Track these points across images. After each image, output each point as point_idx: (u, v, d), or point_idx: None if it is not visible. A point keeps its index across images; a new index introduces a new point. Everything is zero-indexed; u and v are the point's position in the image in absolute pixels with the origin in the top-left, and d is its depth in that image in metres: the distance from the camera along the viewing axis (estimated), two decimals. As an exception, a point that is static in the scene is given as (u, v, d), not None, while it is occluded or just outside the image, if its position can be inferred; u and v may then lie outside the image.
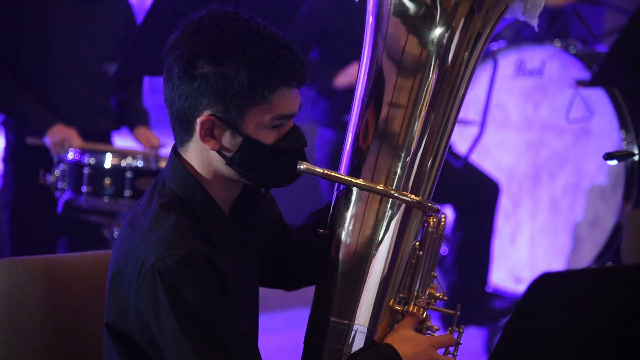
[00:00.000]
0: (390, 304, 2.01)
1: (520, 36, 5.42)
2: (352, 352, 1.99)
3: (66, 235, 4.09)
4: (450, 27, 2.02)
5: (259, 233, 2.09)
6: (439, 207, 2.04)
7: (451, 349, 2.05)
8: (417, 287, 2.02)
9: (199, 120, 1.92)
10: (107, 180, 3.79)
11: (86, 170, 3.79)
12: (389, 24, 2.03)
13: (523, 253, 5.18)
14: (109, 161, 3.81)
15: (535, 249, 5.15)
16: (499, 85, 5.12)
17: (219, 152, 1.93)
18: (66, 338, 2.16)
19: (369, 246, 2.01)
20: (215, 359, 1.86)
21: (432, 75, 2.02)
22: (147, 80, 4.48)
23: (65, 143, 3.85)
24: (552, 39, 5.20)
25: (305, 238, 2.16)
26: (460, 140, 5.02)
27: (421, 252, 2.02)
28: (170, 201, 1.95)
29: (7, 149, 4.08)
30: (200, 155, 1.96)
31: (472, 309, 4.72)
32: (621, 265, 3.68)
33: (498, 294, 5.10)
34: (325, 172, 1.97)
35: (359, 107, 2.05)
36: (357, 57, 2.12)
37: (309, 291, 2.11)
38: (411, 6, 2.01)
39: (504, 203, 5.15)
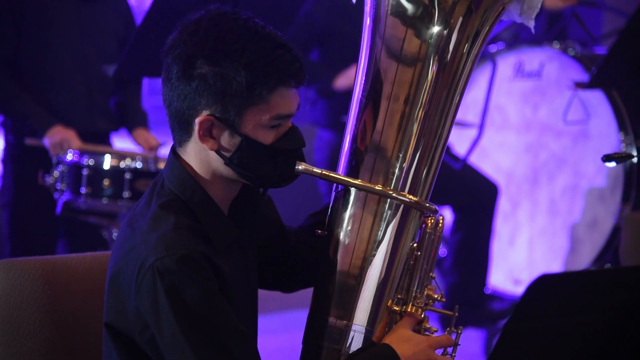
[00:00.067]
0: (389, 304, 2.01)
1: (519, 38, 5.42)
2: (350, 352, 2.00)
3: (65, 236, 4.09)
4: (448, 26, 2.02)
5: (258, 233, 2.09)
6: (437, 208, 2.05)
7: (449, 349, 2.06)
8: (415, 288, 2.02)
9: (197, 120, 1.92)
10: (106, 182, 3.79)
11: (85, 172, 3.79)
12: (387, 24, 2.03)
13: (522, 255, 5.19)
14: (107, 162, 3.81)
15: (534, 250, 5.15)
16: (497, 87, 5.12)
17: (217, 152, 1.94)
18: (65, 339, 2.16)
19: (367, 246, 2.01)
20: (215, 359, 1.86)
21: (430, 75, 2.03)
22: (146, 82, 4.48)
23: (65, 144, 3.85)
24: (551, 41, 5.20)
25: (304, 240, 2.16)
26: (459, 141, 5.02)
27: (419, 253, 2.02)
28: (169, 201, 1.95)
29: (7, 150, 4.08)
30: (199, 155, 1.96)
31: (471, 311, 4.72)
32: (619, 267, 3.69)
33: (497, 296, 5.10)
34: (324, 172, 1.97)
35: (357, 108, 2.06)
36: (357, 58, 2.12)
37: (308, 293, 2.11)
38: (409, 6, 2.02)
39: (503, 205, 5.15)
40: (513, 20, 2.13)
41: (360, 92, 2.06)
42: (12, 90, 3.92)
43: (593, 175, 4.95)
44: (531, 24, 2.12)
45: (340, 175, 2.02)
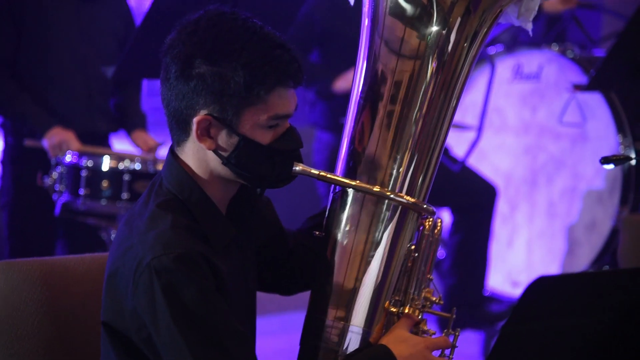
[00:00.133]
0: (386, 305, 2.01)
1: (518, 40, 5.42)
2: (347, 353, 2.00)
3: (64, 237, 4.09)
4: (447, 26, 2.02)
5: (257, 234, 2.10)
6: (435, 210, 2.05)
7: (447, 351, 2.06)
8: (412, 290, 2.02)
9: (195, 120, 1.92)
10: (104, 183, 3.79)
11: (84, 173, 3.79)
12: (385, 24, 2.03)
13: (520, 257, 5.19)
14: (106, 164, 3.81)
15: (533, 252, 5.15)
16: (496, 90, 5.12)
17: (215, 151, 1.94)
18: (63, 340, 2.16)
19: (365, 247, 2.01)
20: (212, 359, 1.86)
21: (428, 75, 2.03)
22: (144, 83, 4.48)
23: (63, 146, 3.85)
24: (550, 43, 5.21)
25: (302, 242, 2.16)
26: (458, 143, 5.02)
27: (417, 255, 2.03)
28: (167, 201, 1.95)
29: (6, 151, 4.08)
30: (196, 155, 1.97)
31: (470, 313, 4.72)
32: (616, 269, 3.69)
33: (495, 298, 5.11)
34: (321, 173, 1.97)
35: (355, 109, 2.06)
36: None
37: (306, 294, 2.11)
38: (407, 6, 2.02)
39: (501, 207, 5.15)
40: (511, 23, 2.14)
41: (358, 93, 2.06)
42: (11, 91, 3.92)
43: (591, 177, 4.95)
44: (529, 26, 2.12)
45: (337, 176, 2.02)
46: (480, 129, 4.94)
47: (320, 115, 4.68)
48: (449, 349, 2.05)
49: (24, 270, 2.15)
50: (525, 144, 5.22)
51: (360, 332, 2.00)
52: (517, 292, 5.01)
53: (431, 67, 2.03)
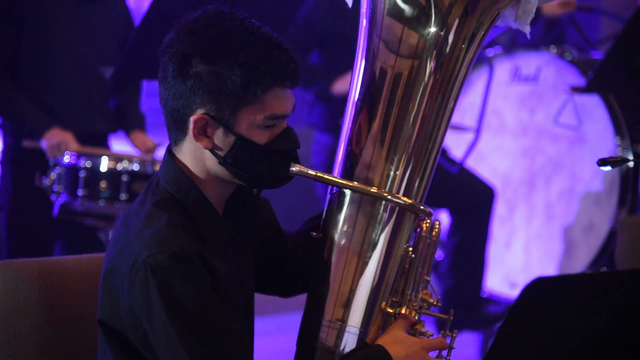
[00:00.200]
0: (383, 306, 2.02)
1: (516, 42, 5.42)
2: (344, 353, 2.00)
3: (62, 238, 4.08)
4: (445, 27, 2.02)
5: (254, 234, 2.09)
6: (432, 211, 2.05)
7: (444, 353, 2.06)
8: (409, 291, 2.03)
9: (192, 119, 1.92)
10: (103, 184, 3.79)
11: (82, 174, 3.79)
12: (383, 25, 2.03)
13: (518, 258, 5.19)
14: (105, 164, 3.81)
15: (530, 254, 5.16)
16: (494, 91, 5.13)
17: (211, 151, 1.94)
18: (61, 340, 2.16)
19: (362, 248, 2.02)
20: (208, 357, 1.86)
21: (426, 76, 2.03)
22: (144, 84, 4.48)
23: (62, 146, 3.85)
24: (548, 46, 5.21)
25: (301, 244, 2.16)
26: (456, 145, 5.02)
27: (414, 256, 2.03)
28: (164, 200, 1.95)
29: (4, 152, 4.08)
30: (193, 154, 1.97)
31: (467, 314, 4.72)
32: (614, 271, 3.69)
33: (493, 299, 5.11)
34: (318, 174, 1.97)
35: (353, 110, 2.06)
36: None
37: (303, 295, 2.11)
38: (405, 7, 2.02)
39: (499, 208, 5.15)
40: (508, 25, 2.14)
41: (356, 94, 2.06)
42: (10, 91, 3.92)
43: (589, 179, 4.96)
44: (526, 29, 2.12)
45: (334, 177, 2.02)
46: (478, 131, 4.94)
47: (319, 116, 4.68)
48: (446, 350, 2.06)
49: (22, 271, 2.15)
50: (523, 146, 5.22)
51: (357, 332, 2.00)
52: (514, 293, 5.01)
53: (429, 67, 2.03)
